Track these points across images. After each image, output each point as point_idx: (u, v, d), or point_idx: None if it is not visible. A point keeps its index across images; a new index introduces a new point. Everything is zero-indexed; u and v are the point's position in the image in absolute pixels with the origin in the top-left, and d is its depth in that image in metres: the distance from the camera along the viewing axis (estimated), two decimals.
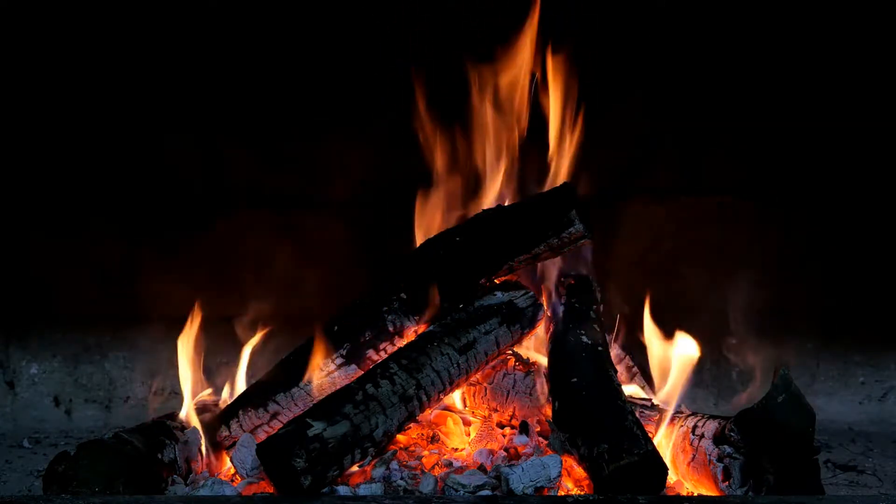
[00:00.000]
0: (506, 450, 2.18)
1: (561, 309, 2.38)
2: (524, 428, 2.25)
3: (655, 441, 2.03)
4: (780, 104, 3.03)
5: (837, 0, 2.94)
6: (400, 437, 2.16)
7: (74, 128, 3.03)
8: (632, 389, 2.40)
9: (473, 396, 2.37)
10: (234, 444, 2.21)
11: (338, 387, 2.15)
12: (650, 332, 2.39)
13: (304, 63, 3.01)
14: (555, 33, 2.55)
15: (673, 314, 2.50)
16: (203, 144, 3.06)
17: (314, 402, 2.14)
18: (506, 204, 2.43)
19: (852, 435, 2.94)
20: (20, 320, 3.11)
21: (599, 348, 2.25)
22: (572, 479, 2.05)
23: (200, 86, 3.01)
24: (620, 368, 2.39)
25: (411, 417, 2.10)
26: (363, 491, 1.95)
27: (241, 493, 2.03)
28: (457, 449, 2.24)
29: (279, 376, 2.29)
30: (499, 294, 2.28)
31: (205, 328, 2.45)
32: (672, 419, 2.17)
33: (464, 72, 2.54)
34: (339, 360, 2.26)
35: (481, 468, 2.06)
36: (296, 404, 2.23)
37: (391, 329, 2.28)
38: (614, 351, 2.43)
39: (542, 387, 2.26)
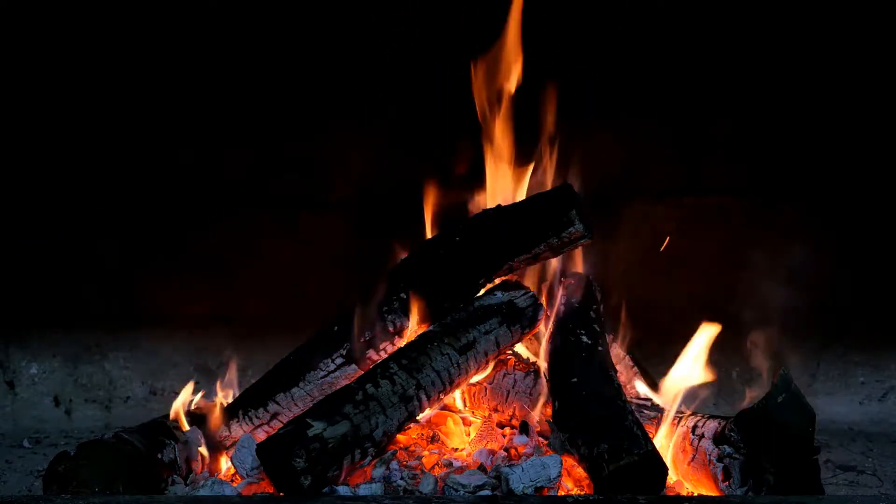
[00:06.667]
0: (506, 450, 2.18)
1: (561, 309, 2.38)
2: (524, 428, 2.25)
3: (655, 441, 2.03)
4: (779, 103, 3.02)
5: None
6: (400, 437, 2.16)
7: (73, 128, 3.03)
8: (632, 390, 2.40)
9: (473, 396, 2.37)
10: (234, 444, 2.21)
11: (338, 387, 2.15)
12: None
13: (305, 62, 3.01)
14: (554, 31, 2.56)
15: (673, 314, 2.51)
16: (203, 144, 3.06)
17: (314, 402, 2.14)
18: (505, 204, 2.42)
19: (852, 435, 2.94)
20: (20, 320, 3.11)
21: (599, 348, 2.25)
22: (572, 479, 2.05)
23: (200, 85, 3.01)
24: (620, 368, 2.39)
25: (411, 417, 2.10)
26: (363, 491, 1.95)
27: (241, 493, 2.03)
28: (457, 449, 2.24)
29: (279, 376, 2.29)
30: (499, 294, 2.28)
31: (205, 328, 2.45)
32: (672, 419, 2.17)
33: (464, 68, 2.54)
34: (339, 360, 2.26)
35: (481, 468, 2.06)
36: (296, 404, 2.23)
37: (391, 329, 2.28)
38: (614, 351, 2.43)
39: (542, 387, 2.26)
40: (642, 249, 3.08)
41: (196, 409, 2.30)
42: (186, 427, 2.20)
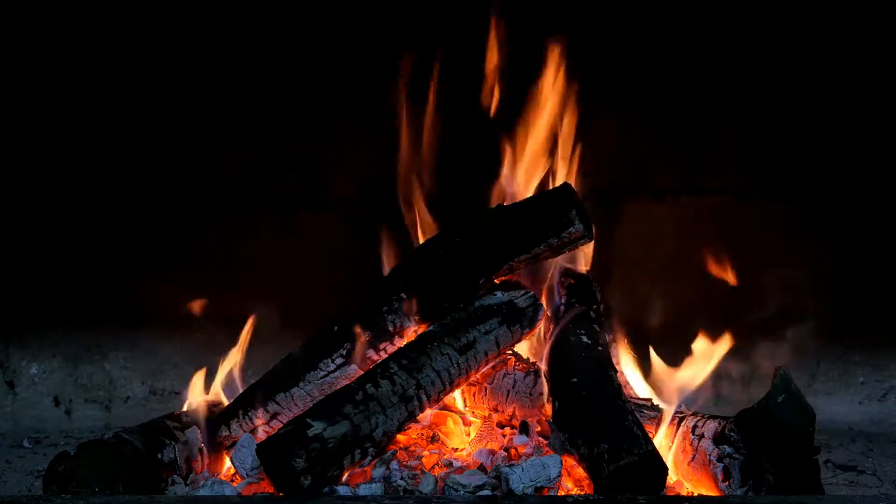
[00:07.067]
0: (506, 450, 2.18)
1: (561, 309, 2.38)
2: (524, 428, 2.25)
3: (655, 441, 2.03)
4: (779, 103, 3.02)
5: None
6: (400, 437, 2.16)
7: (73, 128, 3.03)
8: (632, 390, 2.40)
9: (473, 396, 2.37)
10: (234, 444, 2.21)
11: (338, 387, 2.15)
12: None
13: (304, 62, 3.01)
14: (554, 31, 2.55)
15: (672, 314, 2.50)
16: (203, 144, 3.06)
17: (314, 402, 2.15)
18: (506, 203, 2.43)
19: (852, 435, 2.94)
20: (20, 320, 3.10)
21: (599, 348, 2.25)
22: (572, 479, 2.05)
23: (200, 85, 3.01)
24: (620, 368, 2.39)
25: (411, 417, 2.10)
26: (363, 491, 1.95)
27: (241, 493, 2.03)
28: (457, 449, 2.24)
29: (279, 376, 2.29)
30: (499, 294, 2.28)
31: (205, 328, 2.45)
32: (672, 419, 2.17)
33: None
34: (339, 360, 2.26)
35: (481, 468, 2.06)
36: (296, 404, 2.23)
37: (391, 329, 2.28)
38: (614, 351, 2.43)
39: (542, 387, 2.26)
40: (642, 249, 3.08)
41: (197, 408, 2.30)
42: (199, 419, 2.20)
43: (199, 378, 2.37)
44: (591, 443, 1.94)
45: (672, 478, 2.09)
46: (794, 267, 3.05)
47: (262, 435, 2.19)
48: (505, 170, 2.51)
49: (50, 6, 2.94)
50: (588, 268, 2.53)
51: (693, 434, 2.08)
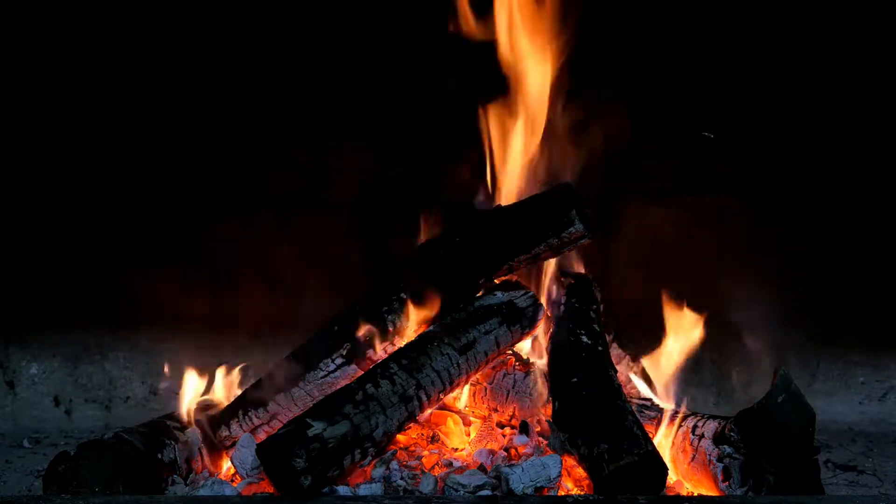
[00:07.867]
0: (506, 450, 2.18)
1: (561, 309, 2.38)
2: (524, 428, 2.25)
3: (655, 441, 2.03)
4: (779, 102, 3.02)
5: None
6: (400, 437, 2.16)
7: (73, 128, 3.03)
8: (632, 389, 2.40)
9: (473, 396, 2.37)
10: (234, 444, 2.21)
11: (338, 387, 2.15)
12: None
13: (305, 62, 3.01)
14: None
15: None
16: (203, 144, 3.06)
17: (314, 402, 2.15)
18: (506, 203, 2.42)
19: (852, 435, 2.94)
20: (20, 320, 3.10)
21: (599, 348, 2.25)
22: (572, 479, 2.05)
23: (200, 85, 3.01)
24: (620, 368, 2.39)
25: (411, 417, 2.10)
26: (363, 491, 1.95)
27: (241, 493, 2.03)
28: (457, 449, 2.24)
29: (279, 376, 2.29)
30: (499, 294, 2.28)
31: (204, 328, 2.45)
32: (672, 419, 2.17)
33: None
34: (339, 360, 2.26)
35: (481, 468, 2.06)
36: (296, 404, 2.23)
37: (391, 329, 2.28)
38: (614, 351, 2.43)
39: (542, 387, 2.26)
40: (642, 249, 3.08)
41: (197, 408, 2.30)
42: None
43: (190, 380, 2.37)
44: (591, 443, 1.94)
45: (672, 478, 2.09)
46: (794, 267, 3.05)
47: (262, 435, 2.19)
48: (506, 169, 2.51)
49: (51, 6, 2.94)
50: (588, 268, 2.53)
51: (693, 434, 2.08)
